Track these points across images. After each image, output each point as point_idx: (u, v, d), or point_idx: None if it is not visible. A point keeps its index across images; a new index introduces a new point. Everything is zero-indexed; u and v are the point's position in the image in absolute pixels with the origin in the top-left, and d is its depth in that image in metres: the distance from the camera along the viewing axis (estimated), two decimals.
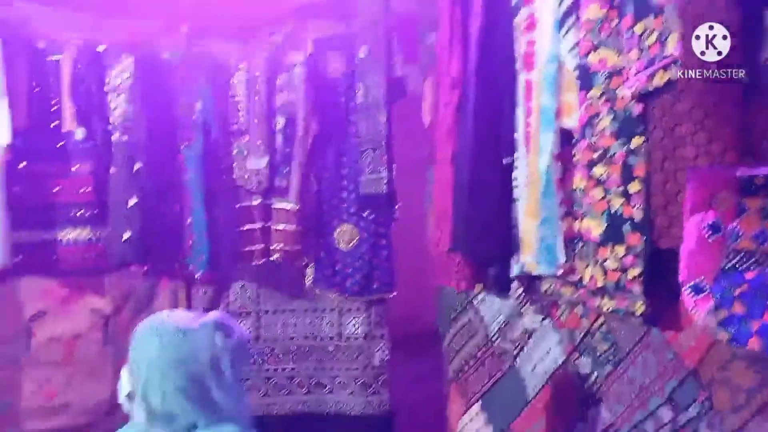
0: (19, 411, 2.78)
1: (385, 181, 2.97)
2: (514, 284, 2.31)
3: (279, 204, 3.00)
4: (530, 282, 2.23)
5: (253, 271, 3.11)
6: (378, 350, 3.22)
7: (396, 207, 3.08)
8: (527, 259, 2.04)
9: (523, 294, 2.31)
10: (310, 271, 3.11)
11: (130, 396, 1.38)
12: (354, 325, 3.22)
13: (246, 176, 2.96)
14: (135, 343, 1.38)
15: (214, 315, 1.43)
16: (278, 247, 3.01)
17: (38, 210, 2.72)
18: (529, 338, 2.36)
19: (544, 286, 2.10)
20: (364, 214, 3.07)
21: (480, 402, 2.59)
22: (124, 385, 1.40)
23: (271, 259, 3.02)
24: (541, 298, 2.22)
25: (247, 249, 3.02)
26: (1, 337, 2.75)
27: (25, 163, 2.67)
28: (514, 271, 2.13)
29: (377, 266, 3.11)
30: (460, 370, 2.67)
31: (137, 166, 2.77)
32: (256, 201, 3.00)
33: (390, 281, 3.12)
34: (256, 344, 3.15)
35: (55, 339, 2.82)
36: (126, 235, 2.74)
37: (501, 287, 2.33)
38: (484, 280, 2.37)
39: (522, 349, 2.39)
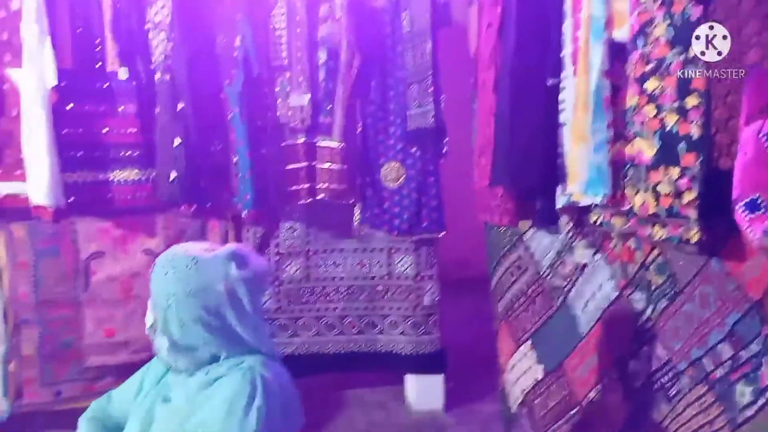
0: (82, 348, 2.90)
1: (432, 115, 2.84)
2: (564, 218, 2.17)
3: (323, 142, 2.94)
4: (580, 214, 2.09)
5: (302, 211, 3.09)
6: (428, 290, 3.16)
7: (444, 142, 2.97)
8: (574, 189, 1.89)
9: (574, 227, 2.17)
10: (357, 210, 3.06)
11: (153, 328, 1.37)
12: (404, 264, 3.16)
13: (289, 113, 2.91)
14: (153, 275, 1.37)
15: (229, 246, 1.39)
16: (324, 186, 2.96)
17: (88, 151, 2.75)
18: (580, 274, 2.22)
19: (594, 217, 1.95)
20: (412, 151, 2.98)
21: (530, 340, 2.49)
22: (149, 316, 1.39)
23: (317, 198, 2.98)
24: (592, 231, 2.08)
25: (292, 188, 2.98)
26: (61, 276, 2.86)
27: (72, 104, 2.70)
28: (560, 202, 1.99)
29: (425, 204, 3.03)
30: (510, 308, 2.57)
31: (180, 105, 2.75)
32: (300, 139, 2.95)
33: (439, 220, 3.04)
34: (306, 284, 3.17)
35: (112, 278, 2.91)
36: (173, 175, 2.76)
37: (548, 221, 2.19)
38: (530, 214, 2.24)
39: (573, 285, 2.26)
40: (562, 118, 1.92)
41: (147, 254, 2.94)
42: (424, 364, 3.19)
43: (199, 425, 1.26)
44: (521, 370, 2.52)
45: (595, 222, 1.95)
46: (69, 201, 2.69)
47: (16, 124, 2.64)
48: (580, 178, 1.84)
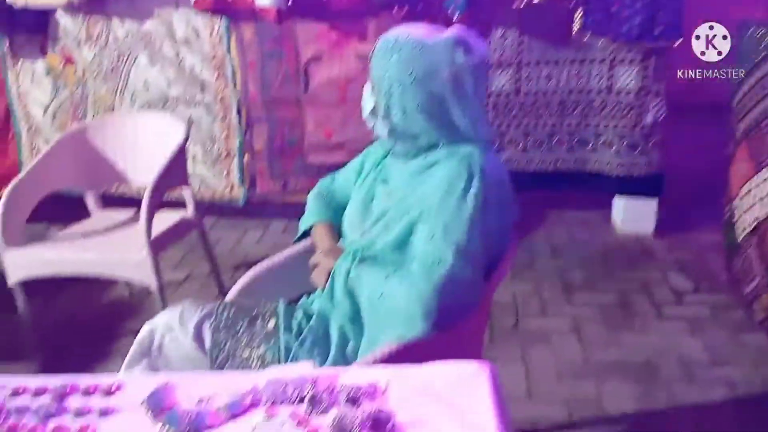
0: (304, 146, 3.15)
1: None
2: None
3: None
4: None
5: (515, 17, 2.87)
6: (653, 107, 2.87)
7: None
8: None
9: None
10: (578, 14, 2.77)
11: (374, 112, 1.38)
12: (627, 77, 2.88)
13: None
14: (375, 59, 1.33)
15: (454, 30, 1.30)
16: None
17: None
18: None
19: None
20: None
21: None
22: (367, 101, 1.39)
23: (534, 1, 2.73)
24: None
25: None
26: (285, 78, 3.04)
27: None
28: None
29: (662, 6, 2.65)
30: (755, 126, 2.24)
31: None
32: None
33: (677, 25, 2.65)
34: (516, 98, 3.03)
35: (329, 82, 3.03)
36: None
37: None
38: None
39: None
40: None
41: (360, 59, 2.98)
42: (637, 186, 3.00)
43: (416, 204, 1.28)
44: (758, 196, 2.24)
45: None
46: (289, 3, 2.77)
47: None
48: None
